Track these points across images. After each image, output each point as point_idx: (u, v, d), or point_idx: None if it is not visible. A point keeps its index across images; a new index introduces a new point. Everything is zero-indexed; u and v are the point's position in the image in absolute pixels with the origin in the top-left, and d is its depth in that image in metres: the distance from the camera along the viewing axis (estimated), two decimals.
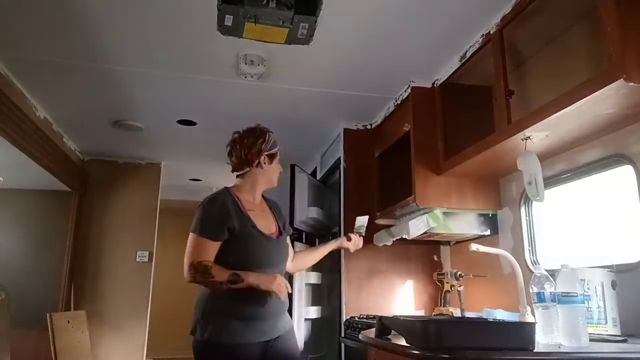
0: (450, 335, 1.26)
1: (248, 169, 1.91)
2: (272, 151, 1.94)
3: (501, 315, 2.06)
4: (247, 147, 1.89)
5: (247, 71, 2.46)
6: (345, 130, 3.22)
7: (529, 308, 1.67)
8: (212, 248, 1.73)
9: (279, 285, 1.74)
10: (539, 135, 1.82)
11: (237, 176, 1.96)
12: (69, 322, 3.28)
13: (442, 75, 2.51)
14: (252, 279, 1.70)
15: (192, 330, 1.74)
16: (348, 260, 2.92)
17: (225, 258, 1.73)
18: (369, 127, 3.25)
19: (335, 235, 3.10)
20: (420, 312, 2.89)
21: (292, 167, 3.33)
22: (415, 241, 2.75)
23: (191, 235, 1.75)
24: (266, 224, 1.89)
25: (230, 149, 1.94)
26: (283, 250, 1.94)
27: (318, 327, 3.33)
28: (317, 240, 3.79)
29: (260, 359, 1.73)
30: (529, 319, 1.66)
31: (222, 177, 5.29)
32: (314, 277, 3.35)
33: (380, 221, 2.90)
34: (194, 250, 1.71)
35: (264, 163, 1.92)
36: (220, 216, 1.76)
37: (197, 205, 1.82)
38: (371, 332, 1.74)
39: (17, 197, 4.17)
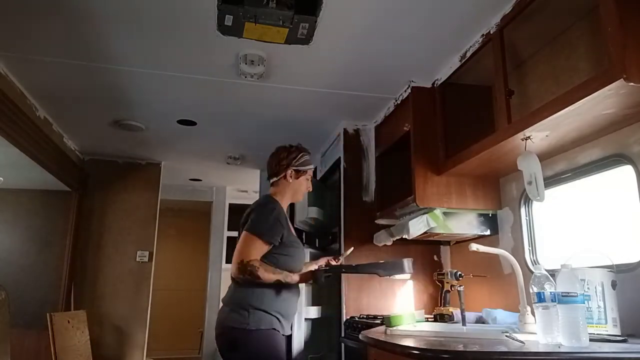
0: None
1: (276, 178, 2.13)
2: (301, 168, 2.13)
3: (501, 315, 2.07)
4: (279, 160, 2.12)
5: (247, 71, 2.46)
6: (346, 130, 3.22)
7: (529, 308, 1.67)
8: (263, 250, 1.91)
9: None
10: (539, 135, 1.82)
11: (271, 185, 2.17)
12: (69, 322, 3.28)
13: (442, 75, 2.51)
14: (297, 277, 1.95)
15: (228, 319, 1.89)
16: (348, 260, 2.92)
17: (275, 263, 1.93)
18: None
19: (335, 236, 3.10)
20: (421, 312, 2.88)
21: None
22: (415, 241, 2.75)
23: (246, 234, 1.91)
24: (292, 230, 2.13)
25: (269, 159, 2.17)
26: None
27: (318, 327, 3.32)
28: (317, 240, 3.79)
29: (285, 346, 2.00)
30: (529, 319, 1.66)
31: (222, 177, 5.30)
32: None
33: (380, 221, 2.90)
34: (246, 248, 1.88)
35: (290, 176, 2.11)
36: (279, 223, 1.96)
37: (249, 208, 2.02)
38: (371, 332, 1.75)
39: (17, 197, 4.16)
